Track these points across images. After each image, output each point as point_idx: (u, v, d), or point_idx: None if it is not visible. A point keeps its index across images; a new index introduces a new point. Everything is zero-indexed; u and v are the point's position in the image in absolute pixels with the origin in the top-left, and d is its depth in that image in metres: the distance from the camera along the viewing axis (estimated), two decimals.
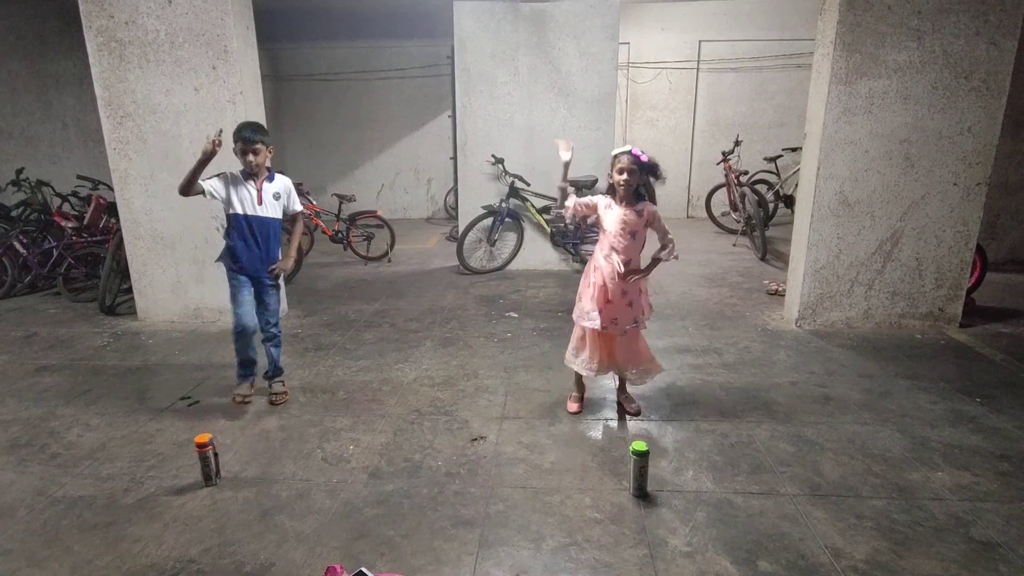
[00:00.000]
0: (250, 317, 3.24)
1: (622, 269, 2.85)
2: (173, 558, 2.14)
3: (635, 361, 3.09)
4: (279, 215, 3.20)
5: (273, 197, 3.14)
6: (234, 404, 3.29)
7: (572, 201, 2.93)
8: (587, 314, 2.95)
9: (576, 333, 3.11)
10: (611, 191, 2.92)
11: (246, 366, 3.35)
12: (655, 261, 2.90)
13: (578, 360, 3.09)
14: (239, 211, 3.07)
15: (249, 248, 3.12)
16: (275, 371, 3.40)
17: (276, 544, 2.21)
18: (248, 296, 3.22)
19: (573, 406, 3.21)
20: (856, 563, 2.07)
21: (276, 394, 3.34)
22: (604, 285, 2.91)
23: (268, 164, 3.18)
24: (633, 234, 2.87)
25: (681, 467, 2.67)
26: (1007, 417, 3.06)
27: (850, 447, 2.80)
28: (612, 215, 2.88)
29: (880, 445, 2.82)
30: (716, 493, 2.47)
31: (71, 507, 2.44)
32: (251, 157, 3.01)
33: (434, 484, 2.56)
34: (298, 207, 3.31)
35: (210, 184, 3.01)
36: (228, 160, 3.14)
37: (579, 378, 3.21)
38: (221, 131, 2.90)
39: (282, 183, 3.21)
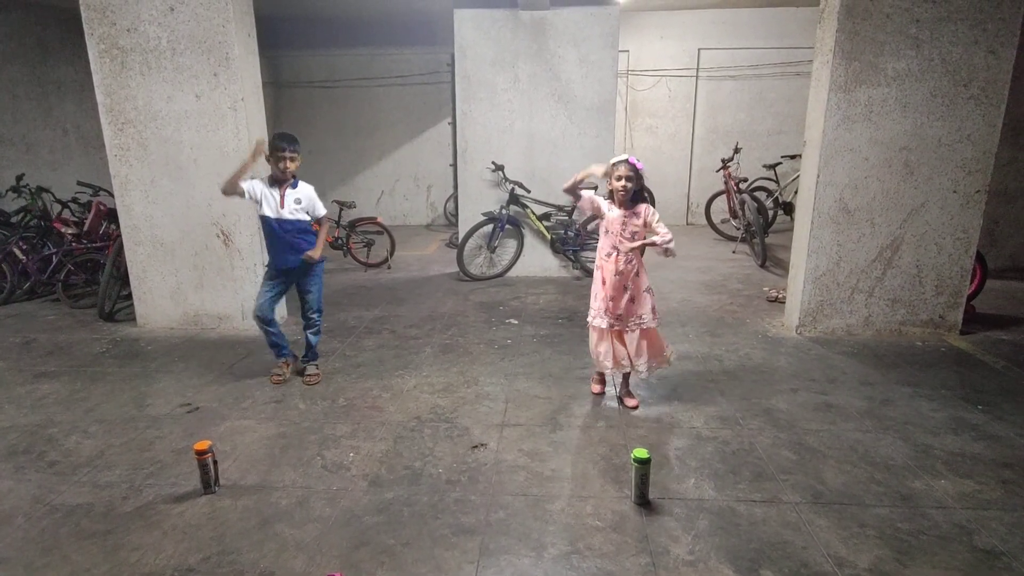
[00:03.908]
0: (265, 309, 3.55)
1: (623, 263, 3.10)
2: (172, 567, 2.13)
3: (646, 355, 3.23)
4: (302, 217, 3.53)
5: (294, 202, 3.49)
6: (271, 382, 3.64)
7: (588, 194, 3.15)
8: (599, 313, 3.19)
9: (592, 334, 3.29)
10: (610, 196, 3.13)
11: (275, 348, 3.70)
12: (651, 242, 3.05)
13: (596, 356, 3.29)
14: (266, 213, 3.45)
15: (276, 243, 3.51)
16: (311, 356, 3.77)
17: (276, 553, 2.19)
18: (269, 292, 3.56)
19: (596, 387, 3.46)
20: (859, 572, 2.06)
21: (309, 375, 3.71)
22: (607, 283, 3.13)
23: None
24: (633, 235, 3.08)
25: (683, 475, 2.66)
26: (1009, 425, 3.05)
27: (852, 455, 2.79)
28: (614, 217, 3.10)
29: (882, 453, 2.81)
30: (718, 501, 2.46)
31: (69, 515, 2.43)
32: (286, 164, 3.39)
33: (435, 492, 2.55)
34: (322, 212, 3.64)
35: (248, 186, 3.41)
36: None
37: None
38: (263, 140, 3.46)
39: (304, 191, 3.54)
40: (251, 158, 3.38)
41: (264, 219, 3.47)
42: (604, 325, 3.17)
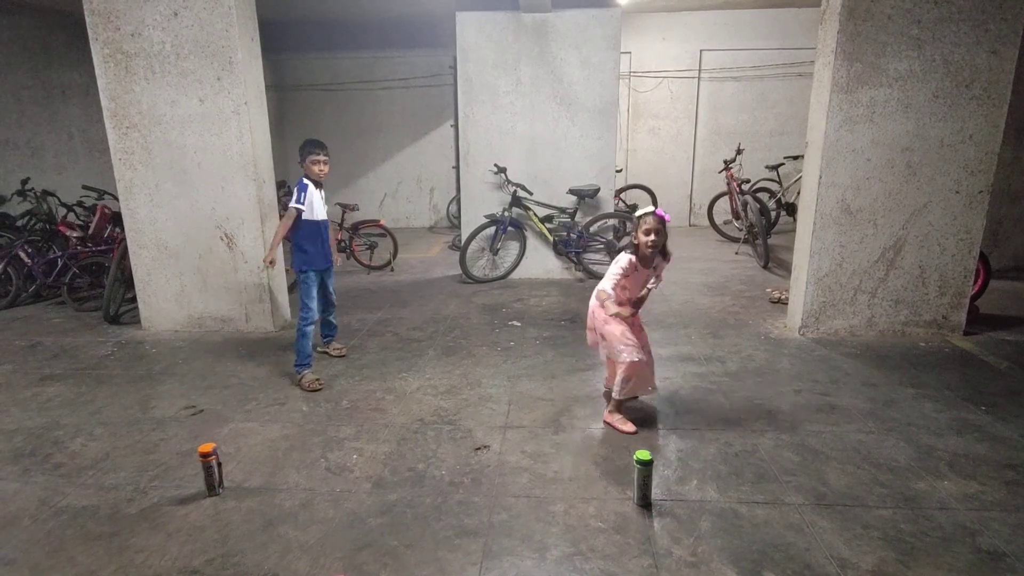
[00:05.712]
0: (318, 311, 3.80)
1: (630, 313, 3.01)
2: (176, 569, 2.14)
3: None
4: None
5: (325, 202, 3.82)
6: (310, 387, 3.58)
7: (610, 295, 2.91)
8: (633, 348, 2.94)
9: (626, 371, 2.97)
10: (634, 250, 2.92)
11: (307, 356, 3.70)
12: (648, 290, 3.08)
13: (643, 383, 3.10)
14: (317, 217, 3.69)
15: (321, 243, 3.76)
16: (335, 333, 4.19)
17: (280, 555, 2.20)
18: (317, 292, 3.79)
19: (630, 427, 3.03)
20: (862, 574, 2.06)
21: (338, 348, 4.16)
22: (624, 324, 2.99)
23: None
24: (645, 286, 3.06)
25: (685, 476, 2.66)
26: (1012, 426, 3.05)
27: (855, 456, 2.79)
28: (638, 279, 3.00)
29: (885, 454, 2.80)
30: (720, 503, 2.47)
31: (75, 517, 2.44)
32: (323, 167, 3.63)
33: (438, 494, 2.55)
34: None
35: (308, 198, 3.63)
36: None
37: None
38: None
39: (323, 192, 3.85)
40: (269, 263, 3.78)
41: (312, 223, 3.68)
42: (643, 357, 3.00)
